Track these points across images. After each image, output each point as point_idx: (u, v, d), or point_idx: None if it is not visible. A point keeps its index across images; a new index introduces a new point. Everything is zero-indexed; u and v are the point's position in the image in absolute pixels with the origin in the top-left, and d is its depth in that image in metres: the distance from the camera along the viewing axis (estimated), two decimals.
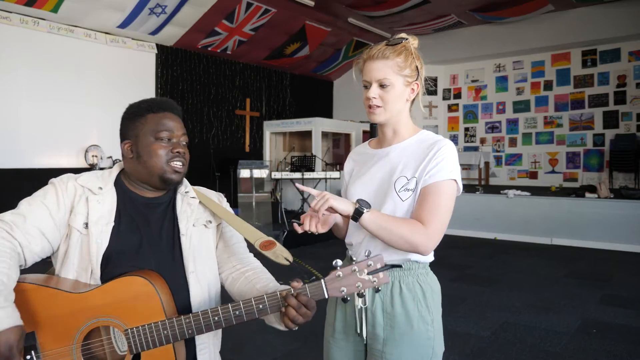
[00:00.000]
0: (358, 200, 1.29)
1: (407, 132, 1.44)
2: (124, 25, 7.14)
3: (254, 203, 8.10)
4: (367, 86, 1.40)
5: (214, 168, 8.39)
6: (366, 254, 1.13)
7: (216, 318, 1.11)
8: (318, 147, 9.15)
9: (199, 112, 8.64)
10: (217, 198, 1.41)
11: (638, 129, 8.72)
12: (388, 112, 1.39)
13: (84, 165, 6.95)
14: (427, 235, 1.29)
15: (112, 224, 1.22)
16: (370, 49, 1.40)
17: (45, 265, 1.28)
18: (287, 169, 8.73)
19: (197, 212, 1.33)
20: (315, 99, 11.19)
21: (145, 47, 7.82)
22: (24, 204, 1.19)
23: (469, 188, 8.86)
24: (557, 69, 9.52)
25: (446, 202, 1.33)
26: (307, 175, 8.20)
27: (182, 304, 1.21)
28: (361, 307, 1.39)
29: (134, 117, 1.28)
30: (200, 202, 1.36)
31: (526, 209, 7.61)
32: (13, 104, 6.39)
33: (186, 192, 1.35)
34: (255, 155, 9.68)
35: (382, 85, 1.37)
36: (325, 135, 9.81)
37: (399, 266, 1.16)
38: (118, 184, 1.29)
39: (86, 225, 1.20)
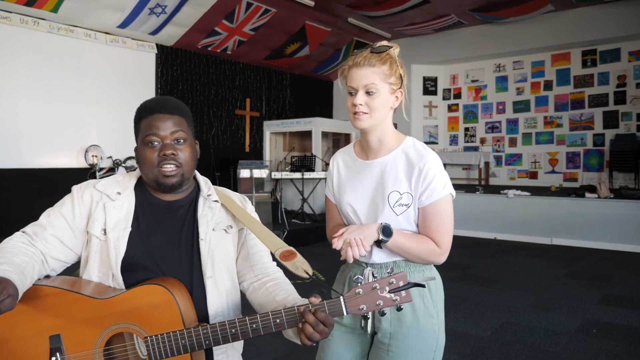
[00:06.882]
0: (383, 228, 1.36)
1: (392, 142, 1.47)
2: (124, 25, 7.14)
3: (254, 203, 8.09)
4: (352, 92, 1.41)
5: (214, 168, 8.39)
6: (388, 271, 1.12)
7: (233, 330, 1.10)
8: (318, 147, 9.14)
9: (199, 112, 8.64)
10: (241, 201, 1.38)
11: (638, 129, 8.71)
12: (373, 118, 1.41)
13: (83, 165, 6.94)
14: (442, 254, 1.43)
15: (129, 229, 1.22)
16: (355, 56, 1.42)
17: (72, 268, 1.31)
18: (287, 169, 8.73)
19: (218, 215, 1.30)
20: (315, 99, 11.18)
21: (145, 47, 7.81)
22: (44, 214, 1.24)
23: (469, 188, 8.85)
24: (557, 69, 9.52)
25: (448, 216, 1.42)
26: (307, 175, 8.19)
27: (199, 309, 1.20)
28: None
29: (135, 124, 1.28)
30: (222, 205, 1.32)
31: (526, 209, 7.60)
32: (13, 104, 6.39)
33: (208, 195, 1.32)
34: (255, 155, 9.68)
35: (368, 92, 1.38)
36: (325, 135, 9.80)
37: (422, 285, 1.15)
38: (139, 188, 1.29)
39: (104, 231, 1.21)
